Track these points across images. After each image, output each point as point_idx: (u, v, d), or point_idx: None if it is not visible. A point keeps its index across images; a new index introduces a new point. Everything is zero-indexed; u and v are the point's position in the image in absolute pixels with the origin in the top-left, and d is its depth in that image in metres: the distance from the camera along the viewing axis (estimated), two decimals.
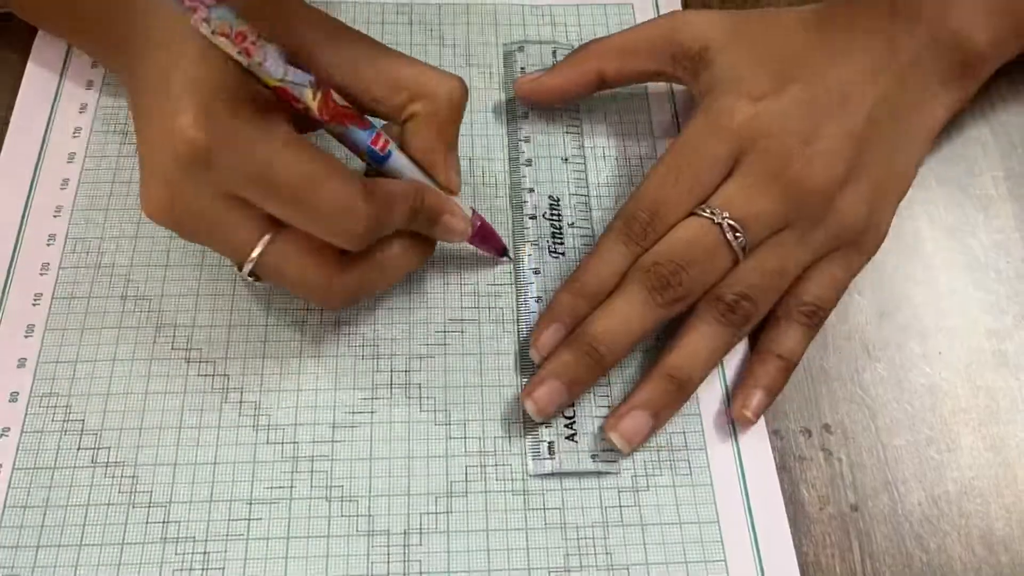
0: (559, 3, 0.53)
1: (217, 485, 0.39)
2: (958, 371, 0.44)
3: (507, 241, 0.44)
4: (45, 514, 0.38)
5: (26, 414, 0.40)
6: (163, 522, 0.38)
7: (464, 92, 0.40)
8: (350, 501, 0.39)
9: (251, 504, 0.38)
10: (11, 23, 0.48)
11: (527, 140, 0.48)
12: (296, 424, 0.40)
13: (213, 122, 0.33)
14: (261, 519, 0.38)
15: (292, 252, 0.37)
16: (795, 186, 0.41)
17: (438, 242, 0.42)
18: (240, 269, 0.37)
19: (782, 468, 0.41)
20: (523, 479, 0.40)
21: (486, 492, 0.39)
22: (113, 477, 0.39)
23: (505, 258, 0.44)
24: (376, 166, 0.39)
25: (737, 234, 0.41)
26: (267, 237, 0.36)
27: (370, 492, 0.39)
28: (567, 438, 0.40)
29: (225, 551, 0.38)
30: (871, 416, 0.42)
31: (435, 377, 0.42)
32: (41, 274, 0.43)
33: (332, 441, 0.40)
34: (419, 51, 0.51)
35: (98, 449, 0.39)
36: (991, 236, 0.47)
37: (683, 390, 0.41)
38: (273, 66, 0.34)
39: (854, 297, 0.45)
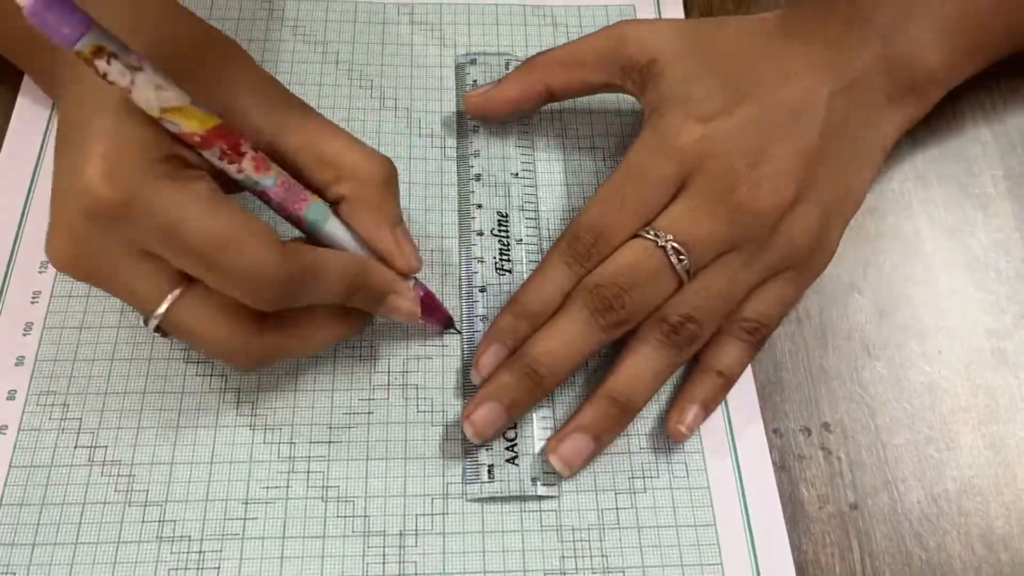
0: (560, 4, 0.53)
1: (213, 484, 0.39)
2: (958, 370, 0.44)
3: (456, 313, 0.44)
4: (41, 512, 0.38)
5: (23, 412, 0.40)
6: (159, 521, 0.38)
7: (390, 172, 0.38)
8: (346, 502, 0.39)
9: (247, 504, 0.39)
10: None
11: (477, 155, 0.48)
12: (293, 424, 0.40)
13: (125, 178, 0.32)
14: (257, 518, 0.38)
15: (200, 310, 0.35)
16: (742, 209, 0.41)
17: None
18: (145, 323, 0.36)
19: (781, 467, 0.41)
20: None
21: (528, 462, 0.40)
22: (110, 476, 0.39)
23: (451, 331, 0.43)
24: (300, 230, 0.38)
25: (681, 257, 0.40)
26: (175, 292, 0.35)
27: (366, 493, 0.39)
28: (508, 460, 0.40)
29: (221, 550, 0.38)
30: (871, 415, 0.42)
31: (431, 378, 0.42)
32: (40, 272, 0.43)
33: (329, 442, 0.40)
34: (419, 51, 0.51)
35: (95, 448, 0.39)
36: (991, 235, 0.47)
37: (625, 413, 0.40)
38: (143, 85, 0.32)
39: (854, 296, 0.45)
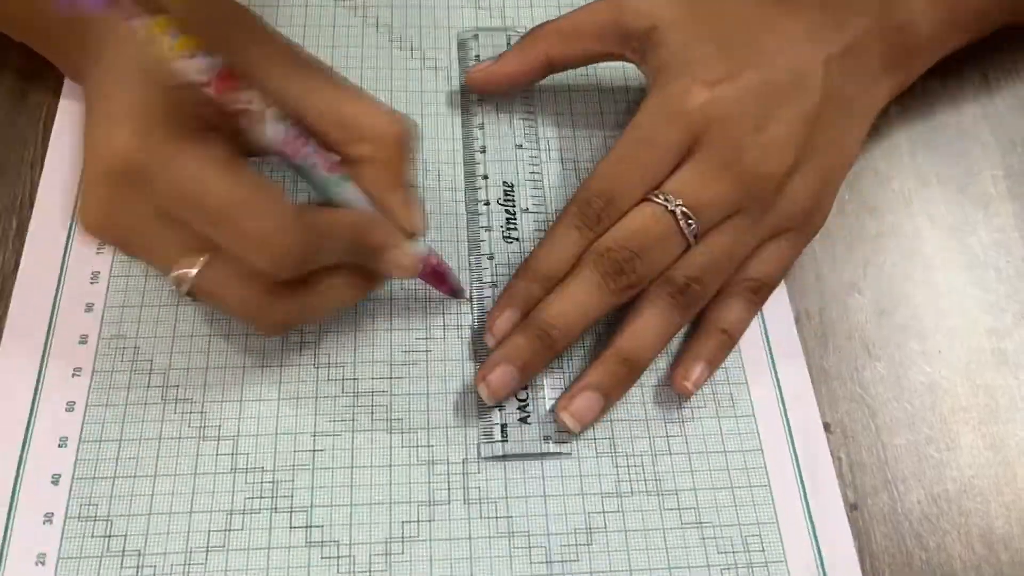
0: None
1: (282, 419, 0.41)
2: (958, 370, 0.44)
3: (464, 280, 0.44)
4: (120, 447, 0.39)
5: (96, 355, 0.41)
6: (232, 454, 0.40)
7: (407, 132, 0.39)
8: (410, 433, 0.41)
9: (315, 436, 0.41)
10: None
11: (481, 127, 0.49)
12: (355, 363, 0.43)
13: (147, 141, 0.33)
14: (325, 450, 0.40)
15: (227, 275, 0.36)
16: (748, 174, 0.42)
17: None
18: (176, 287, 0.36)
19: None
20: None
21: (539, 422, 0.41)
22: (182, 413, 0.40)
23: (462, 299, 0.44)
24: (308, 183, 0.38)
25: (690, 221, 0.41)
26: (204, 258, 0.36)
27: (428, 425, 0.41)
28: (520, 420, 0.41)
29: (293, 480, 0.40)
30: (871, 415, 0.43)
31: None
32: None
33: (390, 378, 0.42)
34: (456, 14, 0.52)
35: (167, 387, 0.41)
36: (991, 235, 0.47)
37: (633, 371, 0.42)
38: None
39: (854, 296, 0.45)
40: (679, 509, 0.40)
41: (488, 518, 0.39)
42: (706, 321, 0.43)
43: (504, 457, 0.40)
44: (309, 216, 0.35)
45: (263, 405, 0.41)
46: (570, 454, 0.41)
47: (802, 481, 0.41)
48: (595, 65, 0.50)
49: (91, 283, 0.43)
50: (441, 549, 0.39)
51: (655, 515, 0.40)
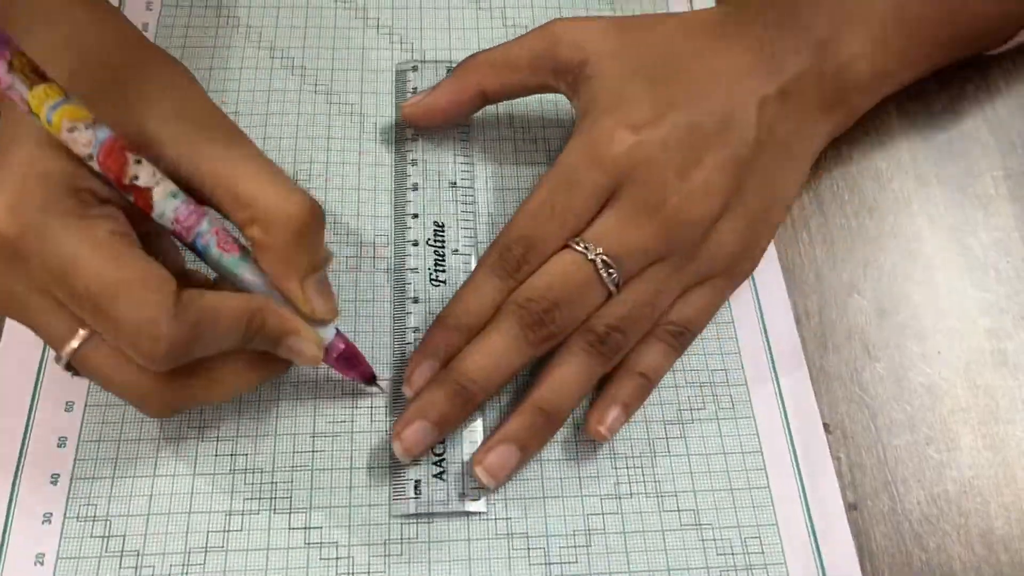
0: None
1: (281, 420, 0.41)
2: (957, 371, 0.44)
3: (387, 325, 0.43)
4: (119, 447, 0.40)
5: None
6: (231, 455, 0.40)
7: (309, 216, 0.35)
8: None
9: (314, 437, 0.41)
10: None
11: (414, 164, 0.47)
12: None
13: (22, 215, 0.32)
14: (324, 451, 0.40)
15: (107, 352, 0.34)
16: (671, 221, 0.41)
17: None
18: (57, 360, 0.35)
19: None
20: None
21: (455, 478, 0.40)
22: (181, 416, 0.41)
23: (374, 388, 0.41)
24: (219, 275, 0.36)
25: (611, 271, 0.40)
26: (83, 333, 0.34)
27: None
28: (435, 476, 0.40)
29: (291, 481, 0.40)
30: (870, 416, 0.43)
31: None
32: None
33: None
34: (370, 54, 0.51)
35: None
36: (991, 235, 0.47)
37: (551, 422, 0.40)
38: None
39: (854, 297, 0.45)
40: (678, 511, 0.40)
41: (487, 520, 0.39)
42: (625, 364, 0.42)
43: (416, 516, 0.39)
44: (192, 305, 0.33)
45: (262, 406, 0.41)
46: (485, 512, 0.40)
47: (802, 482, 0.41)
48: (535, 97, 0.49)
49: None
50: (440, 551, 0.39)
51: (654, 516, 0.40)
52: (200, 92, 0.38)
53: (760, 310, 0.45)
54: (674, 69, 0.43)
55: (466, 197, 0.47)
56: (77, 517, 0.38)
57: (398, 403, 0.41)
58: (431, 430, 0.39)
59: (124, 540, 0.38)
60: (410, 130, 0.48)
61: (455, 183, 0.47)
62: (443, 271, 0.44)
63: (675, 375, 0.43)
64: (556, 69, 0.44)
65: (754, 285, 0.46)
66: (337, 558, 0.38)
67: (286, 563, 0.38)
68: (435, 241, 0.45)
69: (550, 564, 0.39)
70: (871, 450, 0.42)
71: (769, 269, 0.46)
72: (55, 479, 0.39)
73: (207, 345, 0.35)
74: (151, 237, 0.35)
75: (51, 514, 0.38)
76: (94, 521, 0.38)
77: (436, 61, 0.51)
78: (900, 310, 0.45)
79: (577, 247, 0.40)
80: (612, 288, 0.41)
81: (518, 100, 0.48)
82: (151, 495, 0.39)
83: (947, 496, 0.41)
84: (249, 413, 0.41)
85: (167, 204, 0.34)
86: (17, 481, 0.39)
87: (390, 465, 0.40)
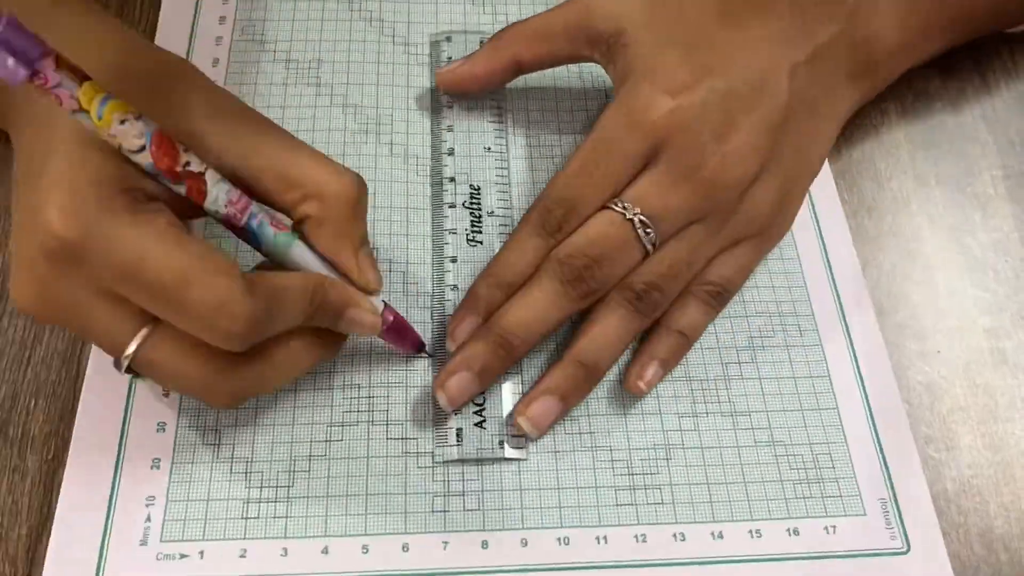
0: None
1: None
2: (957, 370, 0.44)
3: (427, 283, 0.45)
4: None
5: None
6: (329, 372, 0.42)
7: (359, 190, 0.37)
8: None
9: (407, 357, 0.43)
10: None
11: (450, 129, 0.49)
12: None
13: (81, 217, 0.32)
14: (416, 371, 0.43)
15: (170, 349, 0.35)
16: (708, 184, 0.42)
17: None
18: (116, 366, 0.35)
19: None
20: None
21: (496, 426, 0.41)
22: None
23: (423, 354, 0.43)
24: (254, 246, 0.37)
25: (648, 230, 0.41)
26: (143, 332, 0.34)
27: None
28: (476, 424, 0.41)
29: (387, 396, 0.42)
30: None
31: None
32: None
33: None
34: (388, 31, 0.52)
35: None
36: (990, 235, 0.47)
37: (591, 376, 0.42)
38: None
39: None
40: (752, 428, 0.42)
41: (573, 434, 0.41)
42: (664, 322, 0.43)
43: (461, 461, 0.40)
44: (260, 284, 0.34)
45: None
46: (526, 459, 0.41)
47: (868, 404, 0.43)
48: (568, 67, 0.50)
49: None
50: (528, 460, 0.41)
51: (729, 434, 0.42)
52: (224, 90, 0.38)
53: (824, 246, 0.47)
54: (708, 36, 0.44)
55: (501, 162, 0.48)
56: (189, 426, 0.40)
57: (439, 359, 0.42)
58: (474, 380, 0.40)
59: (234, 448, 0.39)
60: (445, 97, 0.50)
61: (490, 148, 0.48)
62: (479, 232, 0.46)
63: (745, 305, 0.45)
64: (590, 39, 0.45)
65: (815, 216, 0.48)
66: (433, 466, 0.40)
67: (386, 470, 0.39)
68: (471, 203, 0.46)
69: (632, 475, 0.40)
70: None
71: (831, 203, 0.48)
72: (167, 391, 0.41)
73: (278, 322, 0.35)
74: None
75: (164, 423, 0.40)
76: (205, 431, 0.40)
77: (467, 31, 0.52)
78: (899, 309, 0.45)
79: (616, 207, 0.42)
80: (649, 247, 0.42)
81: (551, 70, 0.49)
82: (257, 407, 0.40)
83: (946, 495, 0.41)
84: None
85: (220, 188, 0.35)
86: (131, 393, 0.40)
87: (433, 416, 0.41)
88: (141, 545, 0.37)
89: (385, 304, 0.40)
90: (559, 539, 0.39)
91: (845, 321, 0.45)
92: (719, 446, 0.41)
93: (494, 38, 0.47)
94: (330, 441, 0.40)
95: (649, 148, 0.42)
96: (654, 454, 0.41)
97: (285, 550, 0.38)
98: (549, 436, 0.41)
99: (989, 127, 0.51)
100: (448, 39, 0.51)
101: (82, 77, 0.31)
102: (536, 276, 0.42)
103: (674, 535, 0.40)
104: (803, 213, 0.47)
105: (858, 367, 0.43)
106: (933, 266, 0.47)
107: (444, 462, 0.40)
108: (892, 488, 0.41)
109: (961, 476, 0.42)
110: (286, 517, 0.39)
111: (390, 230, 0.45)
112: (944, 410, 0.43)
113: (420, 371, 0.42)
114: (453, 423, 0.41)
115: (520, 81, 0.49)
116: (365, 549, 0.38)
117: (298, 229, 0.37)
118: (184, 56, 0.48)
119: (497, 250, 0.44)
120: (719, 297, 0.44)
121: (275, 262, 0.37)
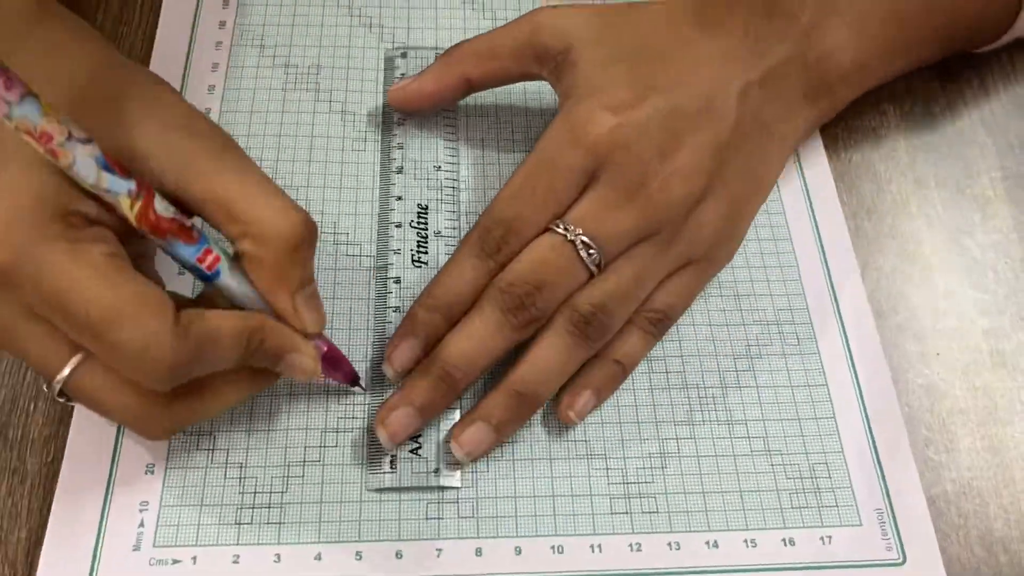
0: None
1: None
2: (956, 372, 0.44)
3: (368, 306, 0.44)
4: None
5: None
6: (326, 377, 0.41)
7: (305, 233, 0.35)
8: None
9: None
10: None
11: (400, 147, 0.48)
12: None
13: (12, 238, 0.31)
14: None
15: (102, 379, 0.34)
16: (652, 203, 0.41)
17: None
18: (47, 388, 0.35)
19: None
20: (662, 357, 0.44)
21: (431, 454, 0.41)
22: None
23: (357, 388, 0.42)
24: (207, 285, 0.36)
25: (591, 251, 0.40)
26: (76, 359, 0.34)
27: None
28: (411, 451, 0.40)
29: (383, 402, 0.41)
30: None
31: None
32: None
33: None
34: (356, 44, 0.52)
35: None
36: (989, 237, 0.47)
37: (528, 406, 0.41)
38: (84, 170, 0.31)
39: None
40: (748, 438, 0.42)
41: (567, 441, 0.41)
42: (601, 351, 0.42)
43: (393, 490, 0.40)
44: (193, 325, 0.33)
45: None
46: (459, 487, 0.40)
47: (866, 412, 0.42)
48: (521, 85, 0.49)
49: None
50: (524, 467, 0.41)
51: (726, 442, 0.42)
52: (187, 106, 0.37)
53: (823, 251, 0.46)
54: (657, 53, 0.44)
55: (450, 180, 0.47)
56: (184, 432, 0.40)
57: (377, 381, 0.42)
58: (415, 416, 0.39)
59: (228, 453, 0.39)
60: (397, 115, 0.49)
61: (439, 167, 0.47)
62: (425, 252, 0.45)
63: (743, 313, 0.45)
64: (539, 56, 0.45)
65: (815, 223, 0.47)
66: (428, 472, 0.40)
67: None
68: (418, 223, 0.45)
69: (627, 483, 0.40)
70: None
71: (830, 209, 0.48)
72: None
73: (208, 364, 0.35)
74: (137, 260, 0.35)
75: None
76: (200, 435, 0.40)
77: (422, 47, 0.51)
78: (898, 311, 0.45)
79: (557, 228, 0.41)
80: (593, 268, 0.41)
81: (505, 88, 0.48)
82: (251, 412, 0.41)
83: (946, 497, 0.41)
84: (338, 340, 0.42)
85: (162, 209, 0.33)
86: None
87: (368, 443, 0.41)
88: (134, 550, 0.37)
89: (320, 335, 0.38)
90: (553, 547, 0.39)
91: (844, 331, 0.44)
92: (715, 455, 0.41)
93: (444, 55, 0.47)
94: (324, 447, 0.40)
95: (591, 165, 0.41)
96: (649, 462, 0.41)
97: (278, 556, 0.38)
98: (544, 443, 0.41)
99: (988, 129, 0.50)
100: (403, 55, 0.50)
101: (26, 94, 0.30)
102: (478, 305, 0.41)
103: (669, 544, 0.39)
104: (801, 217, 0.47)
105: (856, 376, 0.43)
106: (932, 268, 0.46)
107: (377, 490, 0.40)
108: (888, 498, 0.40)
109: (961, 478, 0.41)
110: (279, 523, 0.39)
111: (328, 251, 0.45)
112: (944, 412, 0.43)
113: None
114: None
115: (475, 98, 0.48)
116: (359, 555, 0.38)
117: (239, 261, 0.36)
118: (184, 61, 0.48)
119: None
120: (660, 324, 0.43)
121: (206, 291, 0.36)
